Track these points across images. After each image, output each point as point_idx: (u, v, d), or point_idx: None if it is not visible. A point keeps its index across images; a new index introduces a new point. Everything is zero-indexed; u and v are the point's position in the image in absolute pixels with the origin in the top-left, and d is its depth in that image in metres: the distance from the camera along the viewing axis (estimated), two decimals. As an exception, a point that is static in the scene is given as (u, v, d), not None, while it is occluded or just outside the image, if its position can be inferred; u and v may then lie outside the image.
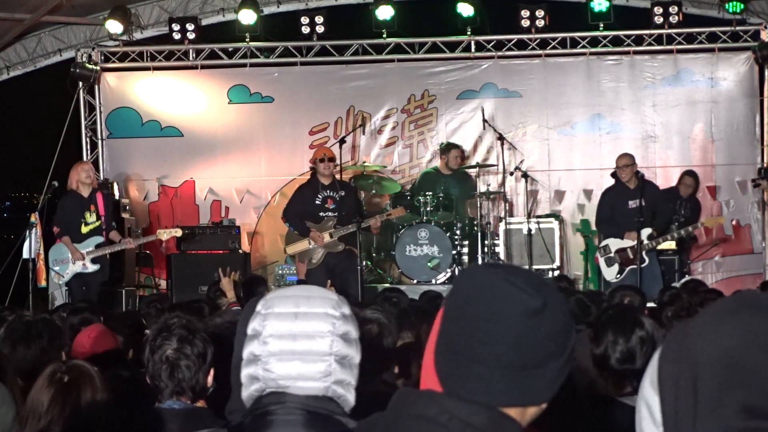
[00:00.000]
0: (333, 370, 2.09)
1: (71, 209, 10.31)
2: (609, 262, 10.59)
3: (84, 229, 10.29)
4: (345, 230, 10.63)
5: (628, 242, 10.34)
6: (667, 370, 1.39)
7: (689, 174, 11.98)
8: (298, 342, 2.08)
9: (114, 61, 13.62)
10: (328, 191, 10.73)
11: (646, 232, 10.30)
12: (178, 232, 10.99)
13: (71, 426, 2.91)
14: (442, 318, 1.64)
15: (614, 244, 10.50)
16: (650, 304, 6.95)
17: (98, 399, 2.97)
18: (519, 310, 1.56)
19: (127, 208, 12.63)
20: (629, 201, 10.40)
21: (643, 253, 10.29)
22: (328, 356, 2.09)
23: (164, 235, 10.82)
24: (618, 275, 10.45)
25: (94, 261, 10.27)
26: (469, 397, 1.57)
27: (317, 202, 10.72)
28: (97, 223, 10.32)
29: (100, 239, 10.32)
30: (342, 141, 12.11)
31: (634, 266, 10.23)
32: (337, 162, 10.84)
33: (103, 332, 4.75)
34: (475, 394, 1.57)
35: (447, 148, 12.23)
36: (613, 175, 10.71)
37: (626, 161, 10.55)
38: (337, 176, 10.88)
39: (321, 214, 10.72)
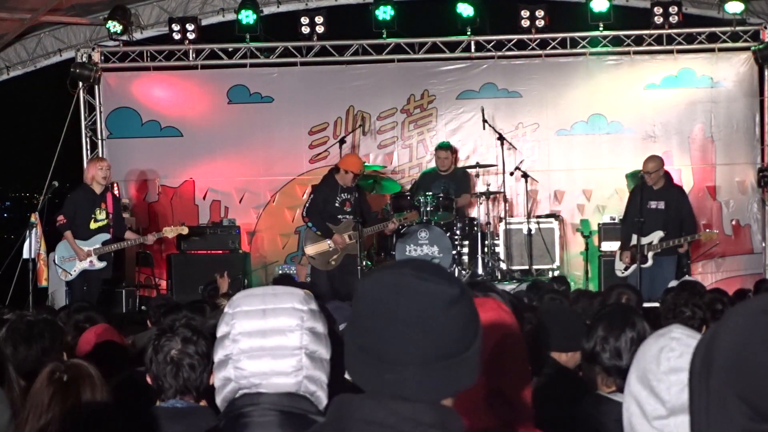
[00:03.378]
0: (304, 364, 2.08)
1: (83, 204, 10.31)
2: (621, 257, 10.64)
3: (93, 225, 10.30)
4: (365, 233, 10.64)
5: (643, 240, 10.33)
6: (694, 366, 1.41)
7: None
8: (268, 338, 2.07)
9: (114, 61, 13.62)
10: (346, 194, 10.73)
11: (657, 235, 10.30)
12: (184, 230, 10.97)
13: (71, 425, 2.91)
14: (351, 329, 1.63)
15: (633, 241, 10.51)
16: (653, 304, 6.97)
17: (98, 398, 2.97)
18: (441, 303, 1.58)
19: (127, 207, 12.63)
20: (651, 202, 10.40)
21: (650, 254, 10.30)
22: (299, 350, 2.08)
23: (170, 233, 10.81)
24: (624, 270, 10.49)
25: (100, 258, 10.29)
26: (410, 398, 1.58)
27: (336, 204, 10.73)
28: (105, 222, 10.34)
29: (106, 236, 10.33)
30: (342, 141, 12.13)
31: (642, 266, 10.26)
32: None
33: (108, 330, 4.76)
34: (414, 395, 1.58)
35: (435, 150, 12.32)
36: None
37: (650, 168, 10.42)
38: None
39: (339, 216, 10.71)
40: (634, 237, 10.34)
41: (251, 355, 2.07)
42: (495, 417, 2.24)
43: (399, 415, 1.56)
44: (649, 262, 10.32)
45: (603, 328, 3.65)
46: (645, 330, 3.61)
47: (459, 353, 1.59)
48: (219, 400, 2.12)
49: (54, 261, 10.45)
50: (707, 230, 10.55)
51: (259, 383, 2.07)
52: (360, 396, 1.62)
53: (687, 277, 9.77)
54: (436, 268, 1.63)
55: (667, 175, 10.74)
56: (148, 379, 3.32)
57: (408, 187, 12.66)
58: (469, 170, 12.45)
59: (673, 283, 8.79)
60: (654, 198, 10.42)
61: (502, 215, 12.23)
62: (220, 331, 2.12)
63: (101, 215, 10.32)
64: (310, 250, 10.91)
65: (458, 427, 1.59)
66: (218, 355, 2.12)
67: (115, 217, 10.45)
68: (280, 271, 12.14)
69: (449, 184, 11.94)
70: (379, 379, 1.58)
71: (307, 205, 10.96)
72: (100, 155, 13.38)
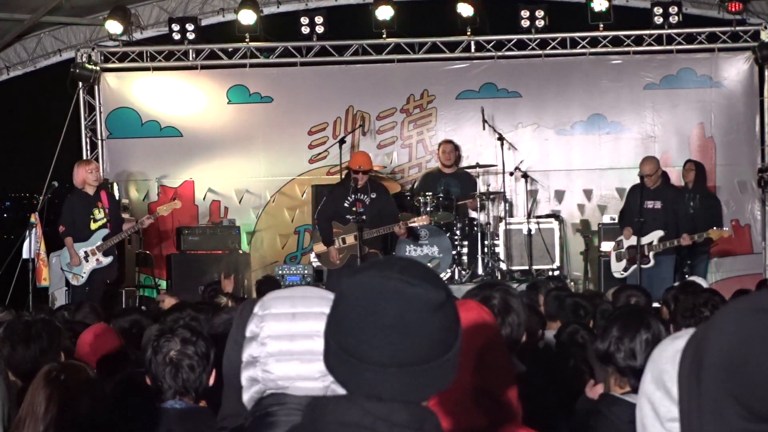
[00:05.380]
0: None
1: (79, 208, 10.33)
2: (618, 257, 10.60)
3: (93, 226, 10.34)
4: (369, 234, 10.52)
5: (643, 240, 10.31)
6: (683, 368, 1.40)
7: (689, 161, 11.87)
8: (296, 342, 2.08)
9: (114, 62, 13.62)
10: (359, 194, 10.57)
11: (657, 234, 10.28)
12: (177, 204, 10.93)
13: (69, 425, 2.91)
14: (333, 328, 1.62)
15: (630, 241, 10.48)
16: (655, 305, 6.96)
17: (95, 398, 2.97)
18: (427, 309, 1.57)
19: (127, 208, 12.63)
20: (647, 201, 10.39)
21: (651, 254, 10.28)
22: None
23: (165, 211, 10.82)
24: (624, 271, 10.46)
25: (105, 254, 10.31)
26: (390, 399, 1.57)
27: (346, 204, 10.62)
28: (105, 219, 10.36)
29: (105, 231, 10.36)
30: (341, 141, 12.11)
31: (645, 266, 10.25)
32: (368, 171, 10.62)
33: (105, 331, 4.73)
34: (393, 396, 1.57)
35: (440, 144, 12.33)
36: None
37: (648, 170, 10.36)
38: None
39: (348, 216, 10.61)
40: (634, 237, 10.33)
41: (279, 359, 2.08)
42: (483, 416, 2.25)
43: (374, 416, 1.55)
44: (651, 263, 10.29)
45: (618, 329, 3.62)
46: (660, 331, 3.59)
47: (440, 356, 1.58)
48: (246, 398, 2.13)
49: (62, 268, 10.46)
50: (715, 228, 10.48)
51: (286, 386, 2.08)
52: (335, 397, 1.61)
53: (687, 278, 9.75)
54: (422, 270, 1.61)
55: (665, 175, 10.74)
56: (147, 380, 3.32)
57: (408, 187, 12.66)
58: (469, 170, 12.42)
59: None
60: (650, 198, 10.41)
61: (502, 215, 12.22)
62: (249, 331, 2.13)
63: (100, 214, 10.35)
64: (318, 248, 10.92)
65: (435, 426, 1.59)
66: (246, 355, 2.12)
67: (112, 213, 10.46)
68: (280, 272, 12.12)
69: (451, 183, 11.94)
70: (358, 378, 1.58)
71: (319, 207, 10.96)
72: (100, 155, 13.39)
